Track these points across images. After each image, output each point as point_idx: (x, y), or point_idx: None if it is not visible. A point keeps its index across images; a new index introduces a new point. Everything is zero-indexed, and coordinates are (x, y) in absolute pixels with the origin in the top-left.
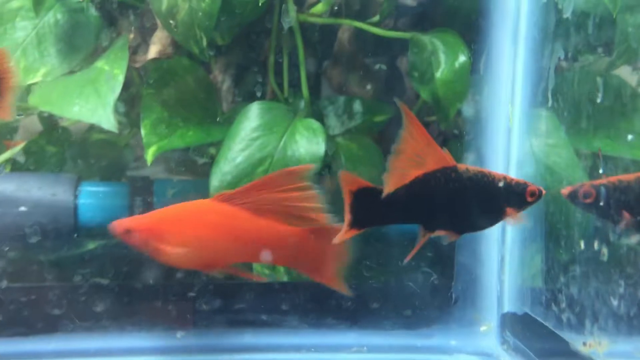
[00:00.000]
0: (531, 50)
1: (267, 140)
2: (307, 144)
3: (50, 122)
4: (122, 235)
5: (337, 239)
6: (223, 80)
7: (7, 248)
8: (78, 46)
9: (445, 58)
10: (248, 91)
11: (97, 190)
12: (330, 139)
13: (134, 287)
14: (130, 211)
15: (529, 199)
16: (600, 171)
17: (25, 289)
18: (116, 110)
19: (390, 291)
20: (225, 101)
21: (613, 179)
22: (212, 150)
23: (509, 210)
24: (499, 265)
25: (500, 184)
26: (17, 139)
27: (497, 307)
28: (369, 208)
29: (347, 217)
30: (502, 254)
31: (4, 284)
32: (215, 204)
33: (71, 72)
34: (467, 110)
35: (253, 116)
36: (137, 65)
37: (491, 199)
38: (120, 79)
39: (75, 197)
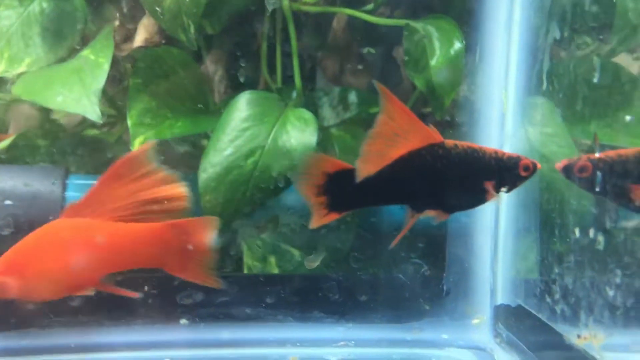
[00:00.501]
0: (526, 32)
1: (257, 131)
2: (299, 134)
3: (42, 115)
4: None
5: (315, 223)
6: (215, 71)
7: None
8: (64, 35)
9: (440, 45)
10: (241, 81)
11: (86, 183)
12: (324, 129)
13: (113, 279)
14: None
15: (523, 174)
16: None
17: None
18: (109, 104)
19: (379, 283)
20: (218, 92)
21: (611, 153)
22: (205, 142)
23: (492, 185)
24: (492, 256)
25: (491, 159)
26: (10, 132)
27: (490, 299)
28: (350, 190)
29: (320, 199)
30: (495, 244)
31: None
32: (65, 221)
33: (57, 62)
34: (460, 97)
35: (243, 106)
36: (123, 54)
37: (482, 175)
38: (106, 67)
39: (63, 189)
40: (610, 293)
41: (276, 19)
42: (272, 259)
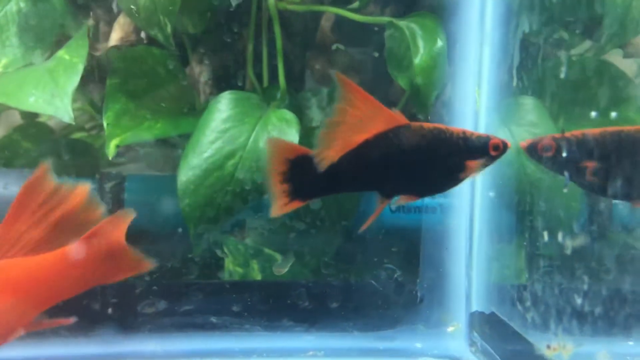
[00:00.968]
0: (498, 25)
1: (238, 132)
2: (280, 135)
3: (28, 117)
4: None
5: (276, 212)
6: (201, 71)
7: None
8: (42, 35)
9: (424, 43)
10: (226, 82)
11: None
12: (311, 130)
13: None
14: None
15: (493, 153)
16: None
17: None
18: (95, 106)
19: (351, 290)
20: (203, 92)
21: (576, 132)
22: None
23: (470, 164)
24: (467, 260)
25: (459, 139)
26: None
27: (465, 305)
28: (313, 177)
29: (282, 187)
30: (470, 247)
31: None
32: None
33: (35, 62)
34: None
35: (223, 107)
36: (98, 53)
37: (450, 156)
38: (80, 68)
39: None
40: (579, 301)
41: (262, 18)
42: (255, 264)
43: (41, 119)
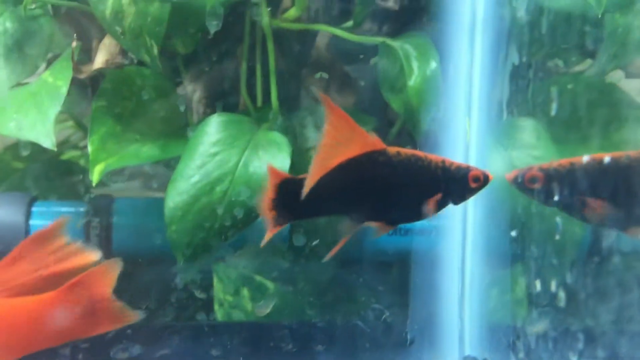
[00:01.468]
0: (488, 55)
1: (227, 156)
2: (271, 159)
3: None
4: None
5: (265, 240)
6: (194, 91)
7: None
8: (29, 56)
9: (418, 65)
10: (220, 101)
11: (52, 210)
12: (306, 151)
13: None
14: (86, 232)
15: (473, 185)
16: None
17: None
18: (80, 126)
19: (337, 331)
20: (197, 113)
21: (564, 161)
22: None
23: (431, 201)
24: (460, 297)
25: (438, 169)
26: None
27: (458, 349)
28: (292, 202)
29: (272, 214)
30: (462, 282)
31: None
32: None
33: (20, 85)
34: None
35: (212, 130)
36: (82, 76)
37: (427, 185)
38: (63, 91)
39: (27, 218)
40: (575, 354)
41: (256, 36)
42: (245, 292)
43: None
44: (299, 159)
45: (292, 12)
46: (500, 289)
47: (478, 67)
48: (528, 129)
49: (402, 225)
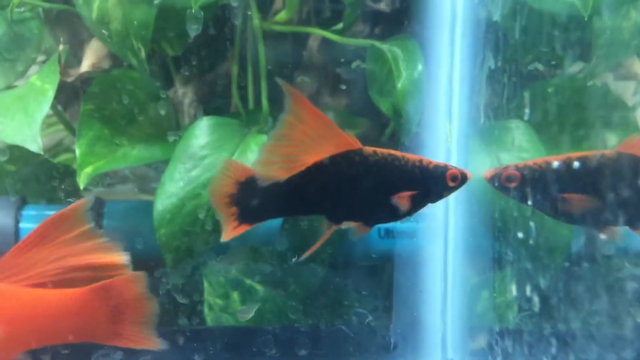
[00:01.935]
0: (467, 58)
1: (215, 160)
2: None
3: None
4: None
5: (224, 237)
6: (185, 94)
7: None
8: (18, 60)
9: (406, 67)
10: (211, 103)
11: (42, 214)
12: None
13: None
14: None
15: (451, 184)
16: None
17: None
18: (70, 129)
19: (320, 336)
20: (188, 116)
21: (540, 160)
22: None
23: (402, 195)
24: (443, 300)
25: (415, 168)
26: None
27: (441, 352)
28: (260, 200)
29: (231, 210)
30: (445, 285)
31: None
32: None
33: (9, 88)
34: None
35: (201, 133)
36: (70, 79)
37: (404, 185)
38: (50, 94)
39: (17, 221)
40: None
41: (247, 38)
42: (235, 295)
43: None
44: None
45: (283, 15)
46: (482, 292)
47: (458, 71)
48: (519, 131)
49: (385, 229)
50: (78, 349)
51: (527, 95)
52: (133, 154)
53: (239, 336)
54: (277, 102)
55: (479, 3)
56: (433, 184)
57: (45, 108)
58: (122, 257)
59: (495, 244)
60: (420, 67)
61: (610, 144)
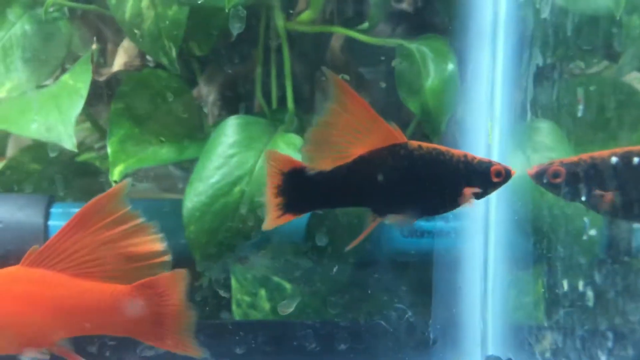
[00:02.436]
0: (510, 56)
1: (244, 158)
2: None
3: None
4: None
5: (267, 225)
6: (209, 93)
7: None
8: (48, 59)
9: (434, 67)
10: (235, 103)
11: (70, 211)
12: None
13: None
14: None
15: (495, 179)
16: None
17: None
18: (98, 128)
19: (360, 331)
20: (212, 114)
21: (585, 156)
22: None
23: (467, 191)
24: (482, 298)
25: (460, 163)
26: (8, 155)
27: (480, 349)
28: (306, 190)
29: (277, 200)
30: (485, 283)
31: None
32: (22, 271)
33: (39, 87)
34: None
35: (230, 132)
36: (102, 78)
37: (448, 179)
38: (83, 93)
39: (46, 219)
40: (605, 354)
41: (271, 39)
42: (263, 292)
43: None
44: None
45: (307, 15)
46: (522, 289)
47: (500, 69)
48: (546, 131)
49: (421, 228)
50: (123, 341)
51: (580, 91)
52: (162, 152)
53: (281, 329)
54: (300, 103)
55: (524, 2)
56: (477, 179)
57: (78, 106)
58: (160, 245)
59: (537, 241)
60: (451, 66)
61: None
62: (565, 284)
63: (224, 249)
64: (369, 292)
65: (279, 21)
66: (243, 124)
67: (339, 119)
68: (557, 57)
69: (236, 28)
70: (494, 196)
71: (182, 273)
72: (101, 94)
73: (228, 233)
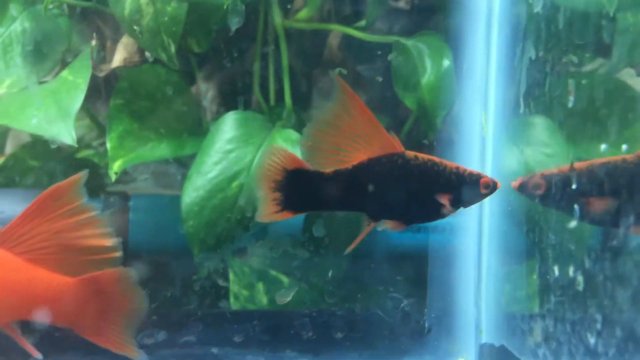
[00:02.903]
0: (504, 50)
1: (242, 153)
2: None
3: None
4: None
5: (262, 217)
6: (207, 89)
7: None
8: (47, 55)
9: (431, 63)
10: (233, 100)
11: None
12: None
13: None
14: None
15: (483, 191)
16: None
17: None
18: (96, 124)
19: (356, 320)
20: (210, 111)
21: (564, 168)
22: None
23: (443, 198)
24: (476, 288)
25: (452, 174)
26: (7, 151)
27: (475, 336)
28: (306, 191)
29: (274, 195)
30: (479, 274)
31: None
32: None
33: (38, 83)
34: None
35: (228, 127)
36: (101, 74)
37: (441, 189)
38: (83, 88)
39: None
40: (592, 340)
41: (269, 36)
42: (260, 286)
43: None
44: None
45: (305, 12)
46: (515, 280)
47: (494, 63)
48: (540, 127)
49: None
50: None
51: (571, 82)
52: (161, 148)
53: (278, 318)
54: (298, 99)
55: None
56: (467, 190)
57: (78, 102)
58: (110, 241)
59: (529, 233)
60: (446, 62)
61: (630, 137)
62: (557, 271)
63: (223, 240)
64: (366, 283)
65: (277, 18)
66: (241, 119)
67: (339, 121)
68: (549, 51)
69: (235, 22)
70: None
71: (127, 271)
72: (100, 90)
73: (227, 224)
